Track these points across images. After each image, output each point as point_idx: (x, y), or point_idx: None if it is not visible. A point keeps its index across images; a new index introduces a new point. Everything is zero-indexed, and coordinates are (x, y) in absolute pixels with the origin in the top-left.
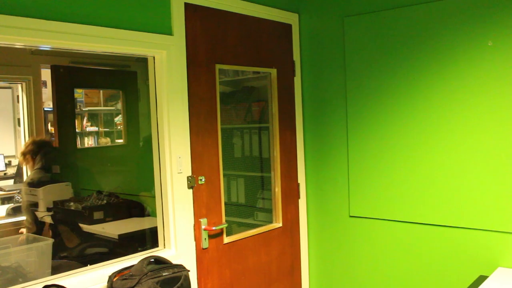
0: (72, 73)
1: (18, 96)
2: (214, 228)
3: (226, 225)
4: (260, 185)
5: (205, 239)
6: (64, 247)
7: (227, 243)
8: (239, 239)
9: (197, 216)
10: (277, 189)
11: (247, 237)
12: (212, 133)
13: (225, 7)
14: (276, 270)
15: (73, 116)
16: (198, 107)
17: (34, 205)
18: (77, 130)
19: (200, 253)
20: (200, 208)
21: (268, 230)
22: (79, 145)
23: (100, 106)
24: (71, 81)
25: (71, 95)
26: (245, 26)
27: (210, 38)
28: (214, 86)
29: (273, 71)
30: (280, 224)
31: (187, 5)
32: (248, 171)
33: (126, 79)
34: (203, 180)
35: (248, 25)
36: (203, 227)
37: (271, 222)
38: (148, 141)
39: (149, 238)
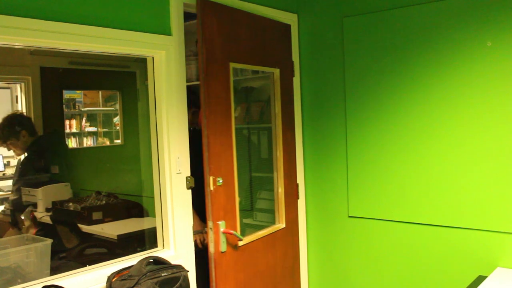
0: (62, 74)
1: (17, 97)
2: (233, 232)
3: (242, 239)
4: (260, 186)
5: (224, 242)
6: (63, 247)
7: (241, 245)
8: (251, 241)
9: (215, 218)
10: (280, 190)
11: (257, 239)
12: (227, 133)
13: (236, 5)
14: (280, 271)
15: (62, 117)
16: (215, 106)
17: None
18: (74, 131)
19: (219, 256)
20: (218, 211)
21: (274, 231)
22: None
23: (99, 107)
24: (60, 83)
25: (59, 97)
26: (253, 25)
27: (225, 35)
28: (229, 85)
29: (276, 71)
30: (284, 225)
31: (203, 1)
32: (247, 172)
33: (124, 80)
34: (220, 181)
35: (255, 24)
36: (221, 230)
37: (273, 223)
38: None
39: (148, 239)
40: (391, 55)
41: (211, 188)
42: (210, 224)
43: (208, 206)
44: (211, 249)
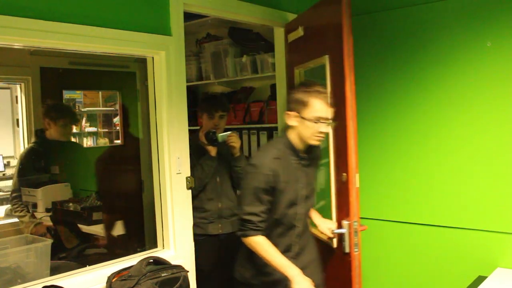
0: (62, 74)
1: (16, 97)
2: (366, 227)
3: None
4: None
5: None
6: (63, 247)
7: None
8: None
9: (358, 217)
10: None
11: None
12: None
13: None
14: None
15: None
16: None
17: None
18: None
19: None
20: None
21: None
22: None
23: (99, 107)
24: (60, 83)
25: (59, 97)
26: None
27: None
28: None
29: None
30: None
31: None
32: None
33: (124, 80)
34: (345, 176)
35: None
36: (358, 229)
37: None
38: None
39: (148, 239)
40: (392, 55)
41: (358, 185)
42: (355, 224)
43: (353, 204)
44: (357, 250)
